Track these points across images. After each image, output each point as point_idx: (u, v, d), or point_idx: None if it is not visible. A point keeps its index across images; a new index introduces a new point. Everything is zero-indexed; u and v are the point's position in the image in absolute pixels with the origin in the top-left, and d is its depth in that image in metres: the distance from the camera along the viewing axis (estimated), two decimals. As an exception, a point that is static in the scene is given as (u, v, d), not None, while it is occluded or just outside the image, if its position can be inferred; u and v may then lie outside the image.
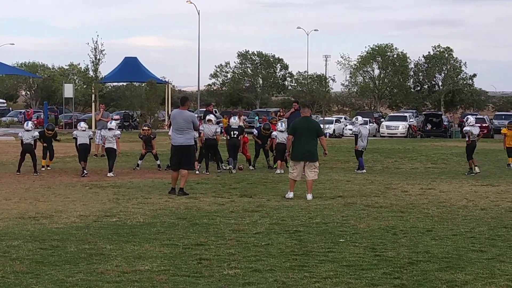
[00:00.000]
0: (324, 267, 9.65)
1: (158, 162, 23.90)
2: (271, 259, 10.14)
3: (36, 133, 23.04)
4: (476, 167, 23.30)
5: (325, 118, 62.29)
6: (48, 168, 23.83)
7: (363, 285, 8.68)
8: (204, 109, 31.56)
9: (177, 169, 17.30)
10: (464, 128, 24.86)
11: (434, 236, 11.98)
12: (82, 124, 22.98)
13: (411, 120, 61.51)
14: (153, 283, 8.70)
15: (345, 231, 12.45)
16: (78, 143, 22.24)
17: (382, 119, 66.73)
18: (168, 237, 11.76)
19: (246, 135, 25.23)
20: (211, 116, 23.40)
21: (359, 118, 26.23)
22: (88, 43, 57.04)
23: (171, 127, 18.47)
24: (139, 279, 8.92)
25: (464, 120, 25.18)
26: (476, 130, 23.96)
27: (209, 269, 9.47)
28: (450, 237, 11.91)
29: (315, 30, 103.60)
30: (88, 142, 22.35)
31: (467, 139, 23.84)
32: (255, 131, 25.65)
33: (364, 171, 23.31)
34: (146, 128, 25.00)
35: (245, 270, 9.45)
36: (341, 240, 11.62)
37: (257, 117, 54.80)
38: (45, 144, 23.96)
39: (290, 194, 16.68)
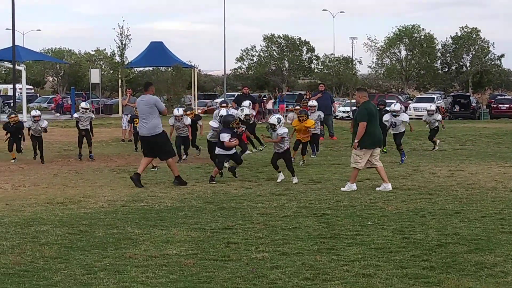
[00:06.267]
0: (352, 250, 9.62)
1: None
2: (299, 242, 10.12)
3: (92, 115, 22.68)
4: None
5: (352, 101, 62.02)
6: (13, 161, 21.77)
7: (392, 268, 8.64)
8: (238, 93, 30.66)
9: (150, 156, 16.56)
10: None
11: (463, 218, 11.90)
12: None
13: (438, 101, 61.05)
14: (181, 267, 8.72)
15: (373, 213, 12.40)
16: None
17: (410, 101, 66.35)
18: (196, 221, 11.78)
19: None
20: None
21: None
22: (114, 28, 57.30)
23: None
24: (167, 263, 8.94)
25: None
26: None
27: (237, 253, 9.47)
28: (479, 219, 11.81)
29: (341, 12, 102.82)
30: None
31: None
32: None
33: None
34: (189, 112, 22.93)
35: (273, 253, 9.43)
36: (369, 223, 11.57)
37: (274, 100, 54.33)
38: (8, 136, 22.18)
39: (354, 186, 15.42)
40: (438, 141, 25.61)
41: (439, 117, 25.75)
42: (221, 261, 9.03)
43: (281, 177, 16.81)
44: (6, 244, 10.05)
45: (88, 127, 22.06)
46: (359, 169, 15.61)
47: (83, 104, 23.54)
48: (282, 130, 16.66)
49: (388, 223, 11.54)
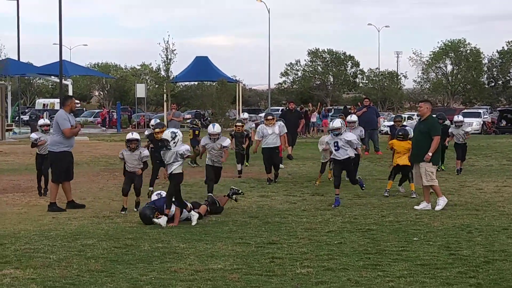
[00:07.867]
0: (397, 266, 9.55)
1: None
2: (344, 258, 10.07)
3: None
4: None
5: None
6: None
7: (438, 285, 8.56)
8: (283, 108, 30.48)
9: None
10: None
11: (510, 235, 11.75)
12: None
13: (485, 116, 60.43)
14: (226, 282, 8.72)
15: (419, 229, 12.30)
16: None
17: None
18: (240, 236, 11.79)
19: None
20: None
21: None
22: (159, 43, 57.59)
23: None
24: (212, 277, 8.95)
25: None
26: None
27: (282, 268, 9.45)
28: (527, 236, 11.67)
29: (386, 26, 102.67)
30: None
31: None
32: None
33: None
34: (240, 124, 22.12)
35: (317, 269, 9.40)
36: (414, 238, 11.48)
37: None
38: None
39: (445, 200, 14.87)
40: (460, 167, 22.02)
41: (469, 129, 22.73)
42: (265, 276, 9.02)
43: (194, 220, 13.24)
44: (52, 257, 10.15)
45: None
46: (437, 185, 15.00)
47: (152, 121, 20.82)
48: (183, 147, 13.27)
49: (434, 239, 11.44)
